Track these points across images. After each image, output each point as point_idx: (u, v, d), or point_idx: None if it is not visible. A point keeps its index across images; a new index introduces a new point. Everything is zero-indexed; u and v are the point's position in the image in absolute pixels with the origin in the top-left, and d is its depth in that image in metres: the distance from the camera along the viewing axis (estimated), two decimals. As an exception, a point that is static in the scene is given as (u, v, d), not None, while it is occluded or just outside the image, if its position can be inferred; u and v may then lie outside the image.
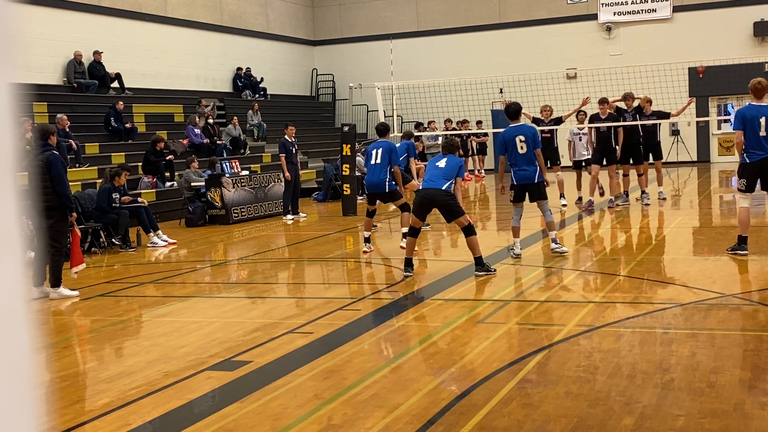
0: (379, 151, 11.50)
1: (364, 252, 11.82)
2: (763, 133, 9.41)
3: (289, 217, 17.09)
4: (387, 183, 11.45)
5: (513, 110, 10.84)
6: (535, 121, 16.08)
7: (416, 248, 10.23)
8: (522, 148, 10.43)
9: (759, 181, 9.66)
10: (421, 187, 9.85)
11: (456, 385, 5.49)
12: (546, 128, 16.13)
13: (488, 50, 29.87)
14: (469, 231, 9.51)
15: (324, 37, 32.55)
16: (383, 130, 12.11)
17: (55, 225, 9.27)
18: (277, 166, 19.55)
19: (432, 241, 13.02)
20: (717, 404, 4.83)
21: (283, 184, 17.53)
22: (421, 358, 6.21)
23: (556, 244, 10.60)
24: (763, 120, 9.41)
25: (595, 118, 16.07)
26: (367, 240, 11.97)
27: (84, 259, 10.01)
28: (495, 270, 9.60)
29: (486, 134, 27.39)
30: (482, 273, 9.46)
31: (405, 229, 11.57)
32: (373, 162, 11.53)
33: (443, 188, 9.45)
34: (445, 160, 9.78)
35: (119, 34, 22.88)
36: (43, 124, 13.75)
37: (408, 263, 9.75)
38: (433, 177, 9.63)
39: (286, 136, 17.07)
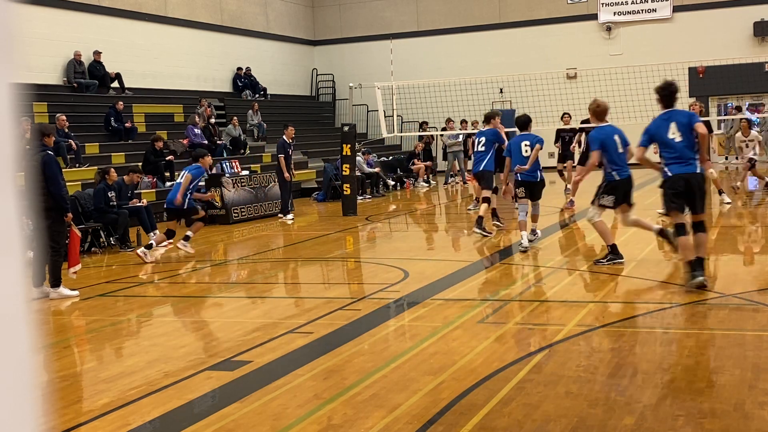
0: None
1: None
2: (620, 150, 9.37)
3: (290, 216, 17.09)
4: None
5: (522, 122, 11.60)
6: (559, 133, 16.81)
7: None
8: (526, 152, 11.22)
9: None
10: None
11: (456, 385, 5.48)
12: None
13: (488, 50, 29.86)
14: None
15: (324, 37, 32.54)
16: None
17: (53, 225, 9.27)
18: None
19: (433, 241, 13.00)
20: (717, 404, 4.83)
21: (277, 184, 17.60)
22: (421, 358, 6.20)
23: (529, 241, 11.19)
24: (617, 138, 9.39)
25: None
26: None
27: (79, 261, 9.99)
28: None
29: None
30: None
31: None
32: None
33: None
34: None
35: (119, 34, 22.87)
36: (41, 124, 13.77)
37: (699, 264, 7.99)
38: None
39: (284, 137, 17.09)
